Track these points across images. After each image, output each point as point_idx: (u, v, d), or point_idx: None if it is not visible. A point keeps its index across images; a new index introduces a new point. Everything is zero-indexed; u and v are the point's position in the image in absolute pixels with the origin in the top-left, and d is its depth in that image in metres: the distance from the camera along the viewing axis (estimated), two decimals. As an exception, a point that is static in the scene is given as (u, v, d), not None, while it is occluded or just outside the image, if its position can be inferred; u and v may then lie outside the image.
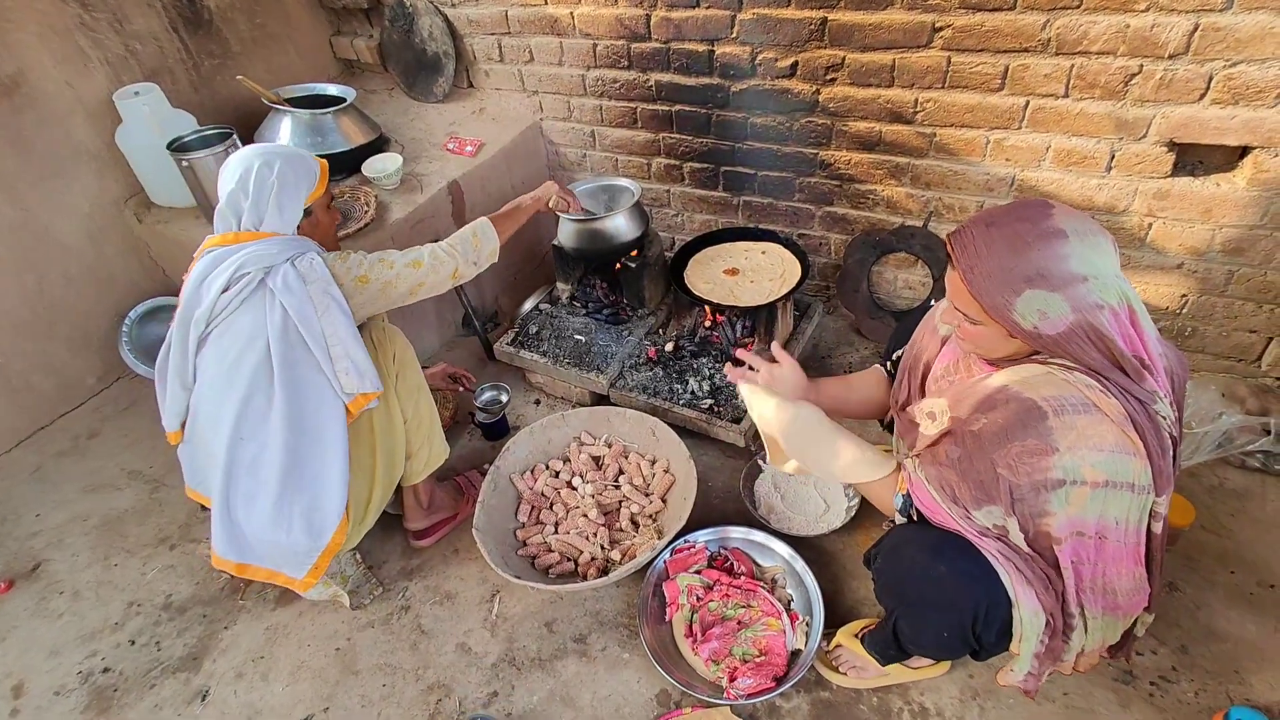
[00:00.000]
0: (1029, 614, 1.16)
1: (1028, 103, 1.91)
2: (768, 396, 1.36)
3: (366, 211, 2.30)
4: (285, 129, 2.43)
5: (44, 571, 2.04)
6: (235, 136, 2.24)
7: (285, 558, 1.61)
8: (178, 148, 2.22)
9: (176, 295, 2.44)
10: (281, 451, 1.54)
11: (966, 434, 1.13)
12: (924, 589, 1.18)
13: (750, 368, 1.51)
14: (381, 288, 1.64)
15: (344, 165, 2.48)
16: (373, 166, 2.42)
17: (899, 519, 1.18)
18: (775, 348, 1.51)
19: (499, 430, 2.28)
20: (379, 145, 2.58)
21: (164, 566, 2.04)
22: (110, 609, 1.93)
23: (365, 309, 1.66)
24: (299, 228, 1.64)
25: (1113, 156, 1.89)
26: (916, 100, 2.04)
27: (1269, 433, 1.81)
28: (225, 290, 1.53)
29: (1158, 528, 1.17)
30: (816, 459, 1.29)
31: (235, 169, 1.59)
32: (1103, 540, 1.14)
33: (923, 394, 1.46)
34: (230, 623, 1.87)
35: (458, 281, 1.77)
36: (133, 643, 1.85)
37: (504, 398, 2.34)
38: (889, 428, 1.70)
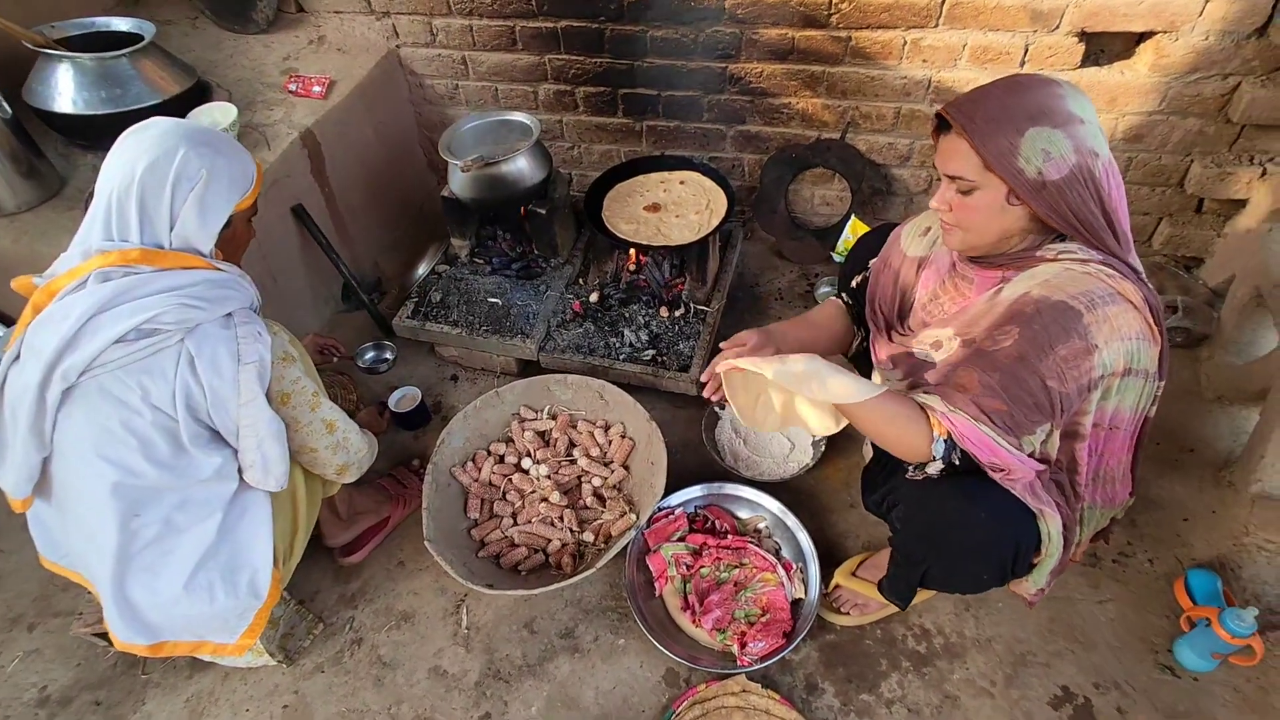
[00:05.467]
0: (1057, 538, 1.15)
1: (945, -2, 1.83)
2: (761, 365, 1.16)
3: (203, 179, 1.85)
4: (65, 81, 1.87)
5: None
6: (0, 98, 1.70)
7: (210, 625, 1.32)
8: (-88, 117, 1.66)
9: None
10: (200, 528, 1.26)
11: (999, 355, 1.05)
12: (964, 537, 1.13)
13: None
14: (290, 422, 1.33)
15: (158, 122, 1.97)
16: (200, 121, 1.95)
17: (935, 466, 1.10)
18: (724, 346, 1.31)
19: (418, 418, 2.01)
20: (200, 94, 2.08)
21: (25, 653, 1.64)
22: (-37, 722, 1.54)
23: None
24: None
25: (1026, 50, 1.87)
26: (831, 1, 1.90)
27: (1175, 309, 1.94)
28: (121, 341, 1.15)
29: (1153, 412, 1.18)
30: (851, 410, 1.13)
31: (148, 148, 1.17)
32: (1114, 431, 1.14)
33: (901, 322, 1.39)
34: (136, 704, 1.55)
35: (336, 478, 1.51)
36: (8, 757, 1.49)
37: (389, 355, 2.12)
38: (854, 359, 1.64)
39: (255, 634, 1.38)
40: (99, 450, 1.19)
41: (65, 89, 1.88)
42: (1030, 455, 1.07)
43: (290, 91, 2.17)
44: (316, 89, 2.16)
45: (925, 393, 1.13)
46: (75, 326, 1.13)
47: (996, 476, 1.10)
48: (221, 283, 1.24)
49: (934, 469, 1.10)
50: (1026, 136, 1.00)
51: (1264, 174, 1.88)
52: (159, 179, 1.17)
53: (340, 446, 1.43)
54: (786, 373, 1.11)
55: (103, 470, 1.19)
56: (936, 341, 1.20)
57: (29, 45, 1.85)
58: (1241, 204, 1.96)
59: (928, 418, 1.08)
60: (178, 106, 1.97)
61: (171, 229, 1.20)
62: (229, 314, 1.24)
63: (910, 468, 1.16)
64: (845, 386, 1.08)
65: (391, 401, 1.97)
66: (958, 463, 1.07)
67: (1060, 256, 1.07)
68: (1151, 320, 1.06)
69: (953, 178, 1.07)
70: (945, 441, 1.06)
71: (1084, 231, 1.05)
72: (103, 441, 1.19)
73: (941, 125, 1.08)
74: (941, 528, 1.15)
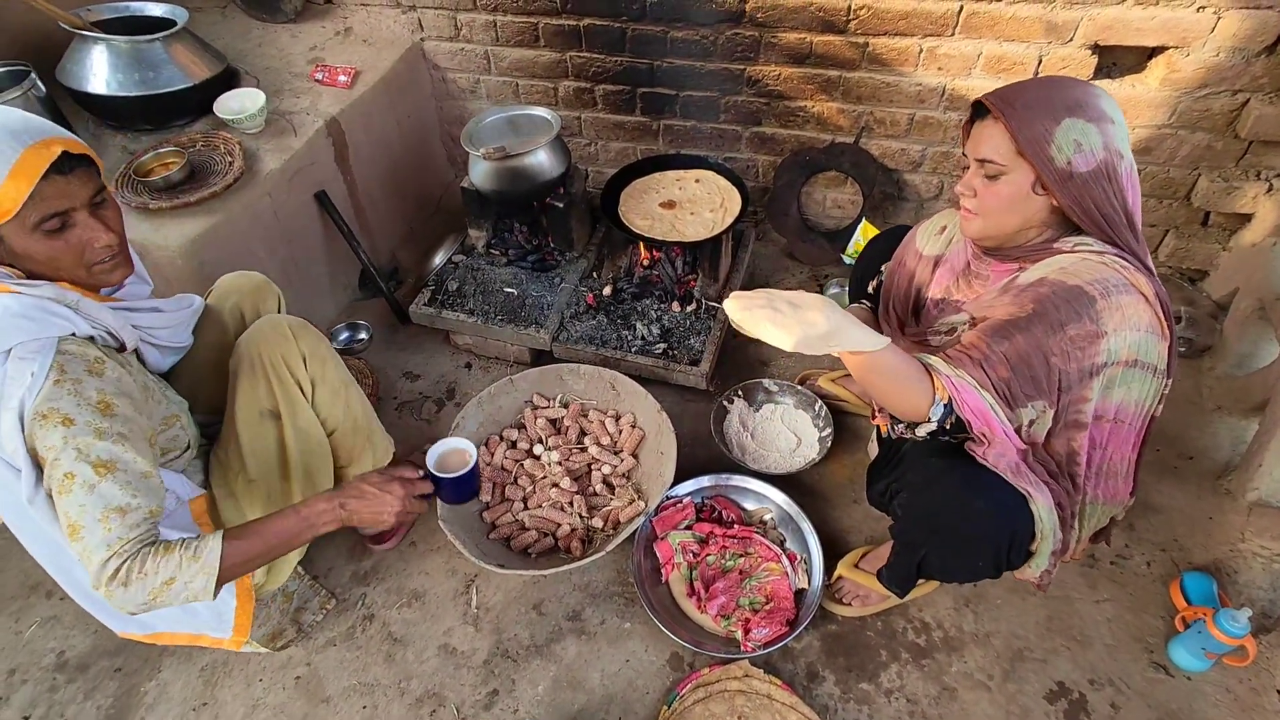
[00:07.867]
0: (1048, 517, 1.17)
1: (962, 7, 1.86)
2: (785, 327, 1.08)
3: (231, 163, 1.90)
4: (99, 63, 1.92)
5: (-126, 654, 1.63)
6: (34, 76, 1.74)
7: (196, 624, 1.36)
8: (-48, 93, 1.70)
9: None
10: None
11: (1010, 326, 1.09)
12: (962, 525, 1.16)
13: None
14: (60, 482, 1.04)
15: (187, 107, 2.03)
16: (228, 106, 2.00)
17: (926, 428, 1.12)
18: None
19: (467, 487, 1.42)
20: (228, 79, 2.13)
21: (44, 619, 1.68)
22: (-17, 683, 1.58)
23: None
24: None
25: (1040, 61, 1.91)
26: (850, 7, 1.94)
27: (1179, 320, 1.97)
28: None
29: (1159, 412, 1.20)
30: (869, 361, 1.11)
31: None
32: (1119, 425, 1.16)
33: (916, 319, 1.43)
34: (152, 671, 1.59)
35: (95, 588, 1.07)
36: (26, 719, 1.52)
37: (364, 335, 2.09)
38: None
39: (244, 632, 1.40)
40: None
41: (99, 70, 1.92)
42: (1017, 431, 1.11)
43: (316, 80, 2.21)
44: (342, 79, 2.20)
45: (932, 355, 1.15)
46: None
47: (976, 451, 1.13)
48: (18, 311, 1.04)
49: (924, 430, 1.13)
50: (1062, 125, 1.04)
51: (1270, 189, 1.91)
52: None
53: (85, 559, 1.04)
54: (809, 339, 1.04)
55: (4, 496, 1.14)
56: (952, 328, 1.24)
57: (65, 26, 1.90)
58: (1247, 218, 1.99)
59: (931, 380, 1.10)
60: (207, 91, 2.02)
61: None
62: (9, 349, 1.04)
63: (901, 425, 1.19)
64: (863, 338, 1.06)
65: (431, 459, 1.39)
66: (949, 427, 1.10)
67: (1076, 249, 1.11)
68: (1161, 315, 1.09)
69: (982, 161, 1.11)
70: (945, 406, 1.09)
71: (1105, 226, 1.08)
72: None
73: (977, 114, 1.12)
74: (941, 515, 1.18)
